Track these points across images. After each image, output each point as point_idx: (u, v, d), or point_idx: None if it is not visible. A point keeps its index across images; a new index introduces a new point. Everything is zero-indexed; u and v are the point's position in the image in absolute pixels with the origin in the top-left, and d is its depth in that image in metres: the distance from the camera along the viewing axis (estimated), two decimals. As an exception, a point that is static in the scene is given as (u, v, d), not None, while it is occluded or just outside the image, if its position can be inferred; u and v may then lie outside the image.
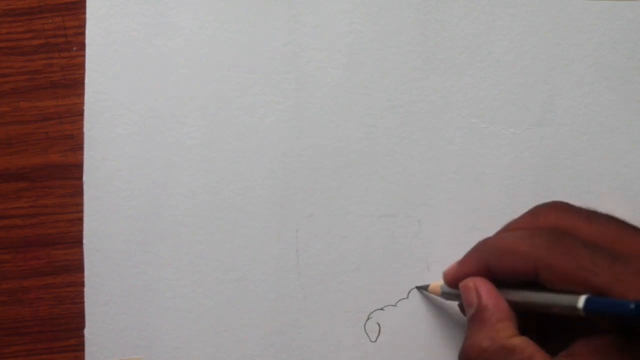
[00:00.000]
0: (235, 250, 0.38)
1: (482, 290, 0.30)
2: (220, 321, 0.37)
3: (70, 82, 0.39)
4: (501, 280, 0.30)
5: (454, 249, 0.37)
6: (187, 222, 0.38)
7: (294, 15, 0.38)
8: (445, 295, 0.34)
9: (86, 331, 0.37)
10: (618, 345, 0.26)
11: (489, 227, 0.37)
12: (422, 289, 0.36)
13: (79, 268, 0.38)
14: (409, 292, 0.37)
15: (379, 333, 0.37)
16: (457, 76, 0.38)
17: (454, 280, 0.32)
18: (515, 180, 0.38)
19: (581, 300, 0.26)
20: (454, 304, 0.35)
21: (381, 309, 0.37)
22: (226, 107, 0.38)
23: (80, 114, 0.38)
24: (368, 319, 0.37)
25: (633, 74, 0.38)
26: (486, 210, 0.38)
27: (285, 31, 0.38)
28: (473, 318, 0.30)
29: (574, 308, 0.26)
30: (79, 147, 0.38)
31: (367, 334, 0.37)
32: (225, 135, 0.38)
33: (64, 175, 0.38)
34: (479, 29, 0.38)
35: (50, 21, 0.39)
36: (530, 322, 0.30)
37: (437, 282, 0.35)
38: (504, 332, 0.28)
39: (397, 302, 0.37)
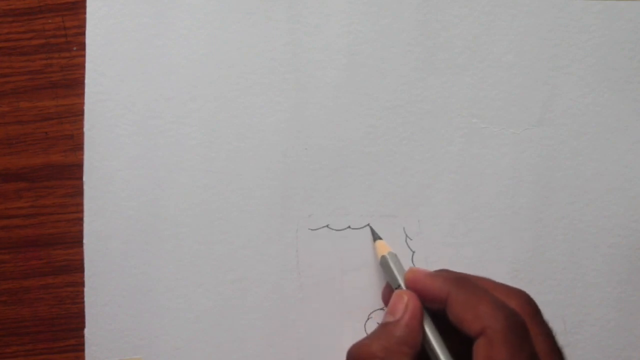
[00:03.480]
0: (235, 250, 0.38)
1: (410, 311, 0.31)
2: (220, 321, 0.37)
3: (70, 82, 0.39)
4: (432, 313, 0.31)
5: (454, 249, 0.37)
6: (187, 222, 0.38)
7: (294, 15, 0.38)
8: (381, 262, 0.35)
9: (86, 331, 0.37)
10: None
11: (489, 227, 0.37)
12: (374, 235, 0.37)
13: (79, 268, 0.38)
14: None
15: (379, 333, 0.37)
16: (457, 76, 0.38)
17: (413, 281, 0.32)
18: (515, 180, 0.38)
19: None
20: None
21: (381, 309, 0.37)
22: (226, 107, 0.38)
23: (80, 114, 0.38)
24: (368, 319, 0.37)
25: (633, 74, 0.38)
26: (486, 210, 0.38)
27: (285, 31, 0.38)
28: (384, 325, 0.31)
29: None
30: (79, 147, 0.38)
31: (367, 334, 0.37)
32: (225, 135, 0.38)
33: (64, 175, 0.38)
34: (479, 29, 0.38)
35: (50, 21, 0.39)
36: None
37: (386, 245, 0.36)
38: (401, 356, 0.29)
39: (397, 302, 0.37)
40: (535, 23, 0.38)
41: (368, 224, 0.38)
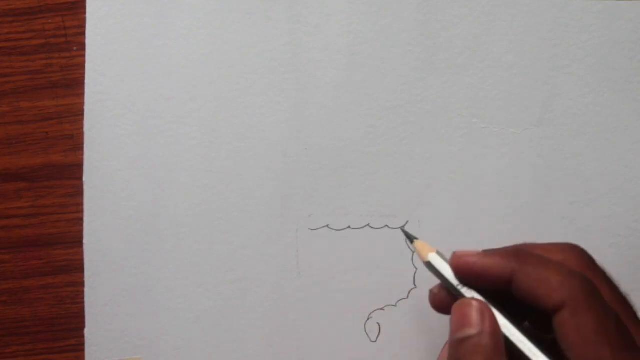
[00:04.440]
0: (235, 250, 0.38)
1: (487, 315, 0.28)
2: (220, 321, 0.37)
3: (70, 82, 0.39)
4: (508, 297, 0.28)
5: (454, 249, 0.37)
6: (187, 222, 0.38)
7: (294, 15, 0.38)
8: (428, 265, 0.31)
9: (86, 331, 0.37)
10: None
11: (489, 227, 0.37)
12: (409, 238, 0.32)
13: (79, 268, 0.38)
14: (409, 292, 0.37)
15: (379, 333, 0.37)
16: (457, 76, 0.38)
17: (466, 266, 0.29)
18: (515, 180, 0.38)
19: None
20: None
21: (381, 309, 0.37)
22: (226, 107, 0.38)
23: (80, 114, 0.38)
24: (368, 319, 0.37)
25: (633, 74, 0.38)
26: (486, 210, 0.38)
27: (285, 31, 0.38)
28: (468, 341, 0.27)
29: None
30: (79, 147, 0.38)
31: (367, 334, 0.37)
32: (225, 135, 0.38)
33: (64, 175, 0.38)
34: (479, 29, 0.38)
35: (50, 21, 0.39)
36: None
37: (427, 244, 0.31)
38: None
39: (397, 302, 0.37)
40: (535, 23, 0.38)
41: (386, 225, 0.37)
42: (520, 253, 0.28)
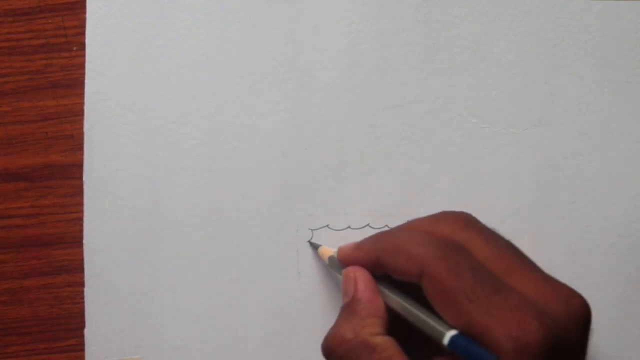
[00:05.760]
0: (235, 250, 0.38)
1: (360, 282, 0.30)
2: (220, 321, 0.37)
3: (70, 82, 0.39)
4: (387, 276, 0.30)
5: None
6: (187, 222, 0.38)
7: (294, 15, 0.38)
8: (330, 264, 0.35)
9: (86, 331, 0.37)
10: None
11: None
12: (314, 247, 0.37)
13: (79, 268, 0.38)
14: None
15: (379, 333, 0.37)
16: (457, 76, 0.38)
17: (344, 259, 0.32)
18: (515, 180, 0.38)
19: (446, 337, 0.26)
20: None
21: (381, 309, 0.37)
22: (226, 107, 0.38)
23: (80, 114, 0.38)
24: (368, 319, 0.37)
25: (633, 74, 0.38)
26: (486, 210, 0.38)
27: (285, 31, 0.38)
28: (345, 308, 0.30)
29: (439, 341, 0.26)
30: (79, 147, 0.38)
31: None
32: (225, 135, 0.38)
33: (64, 175, 0.38)
34: (479, 29, 0.38)
35: (50, 21, 0.39)
36: (401, 323, 0.29)
37: (328, 248, 0.35)
38: (369, 328, 0.28)
39: (397, 302, 0.37)
40: (535, 23, 0.38)
41: (386, 225, 0.37)
42: (384, 235, 0.31)
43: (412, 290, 0.29)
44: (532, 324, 0.24)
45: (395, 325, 0.29)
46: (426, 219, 0.31)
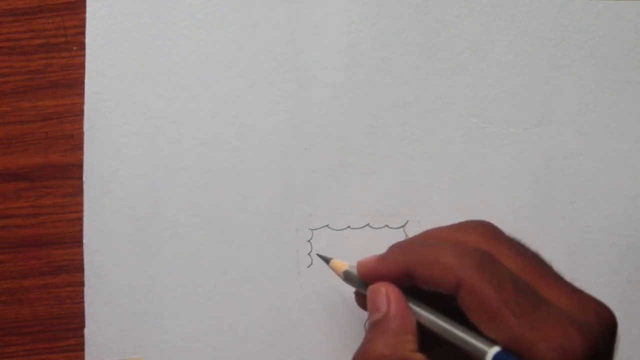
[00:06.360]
0: (235, 250, 0.38)
1: (392, 298, 0.30)
2: (220, 321, 0.37)
3: (70, 82, 0.39)
4: (416, 288, 0.29)
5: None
6: (187, 222, 0.38)
7: (294, 15, 0.38)
8: (346, 279, 0.33)
9: (86, 331, 0.37)
10: None
11: (489, 227, 0.37)
12: (324, 259, 0.35)
13: (79, 268, 0.38)
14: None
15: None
16: (457, 76, 0.38)
17: (368, 274, 0.31)
18: (515, 180, 0.38)
19: (489, 355, 0.25)
20: None
21: (381, 309, 0.37)
22: (226, 107, 0.38)
23: (80, 114, 0.38)
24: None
25: (633, 74, 0.38)
26: (486, 210, 0.38)
27: (285, 31, 0.38)
28: (376, 324, 0.30)
29: (479, 358, 0.26)
30: (79, 147, 0.38)
31: (367, 334, 0.37)
32: (225, 135, 0.38)
33: (64, 175, 0.38)
34: (479, 29, 0.38)
35: (50, 21, 0.39)
36: (430, 339, 0.29)
37: (340, 261, 0.34)
38: (406, 345, 0.28)
39: (397, 302, 0.37)
40: (535, 23, 0.38)
41: (386, 225, 0.37)
42: (413, 246, 0.30)
43: (437, 303, 0.28)
44: (576, 337, 0.24)
45: (423, 341, 0.29)
46: (450, 228, 0.31)
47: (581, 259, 0.38)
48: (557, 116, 0.38)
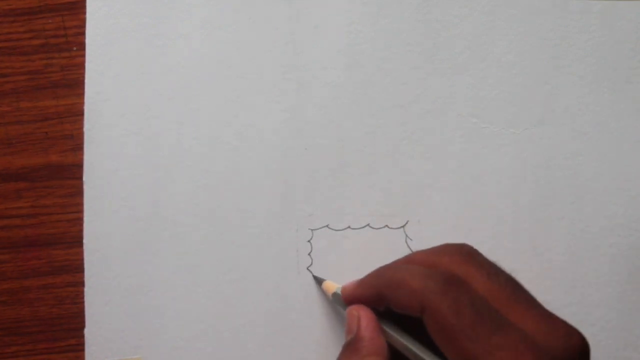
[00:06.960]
0: (235, 250, 0.38)
1: (363, 321, 0.31)
2: (220, 321, 0.37)
3: (70, 82, 0.39)
4: (390, 313, 0.30)
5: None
6: (187, 222, 0.38)
7: (294, 15, 0.38)
8: (334, 300, 0.35)
9: (86, 331, 0.37)
10: None
11: (489, 227, 0.37)
12: (318, 281, 0.37)
13: (79, 268, 0.38)
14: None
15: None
16: (457, 76, 0.38)
17: (348, 297, 0.33)
18: (515, 180, 0.38)
19: None
20: None
21: (381, 309, 0.37)
22: (226, 107, 0.38)
23: (80, 114, 0.38)
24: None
25: (633, 74, 0.38)
26: (486, 210, 0.38)
27: (285, 31, 0.38)
28: (347, 345, 0.31)
29: None
30: (79, 147, 0.38)
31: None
32: (225, 135, 0.38)
33: (64, 175, 0.38)
34: (479, 29, 0.38)
35: (50, 21, 0.39)
36: None
37: (332, 283, 0.36)
38: None
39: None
40: (535, 23, 0.38)
41: (386, 225, 0.37)
42: (387, 270, 0.31)
43: (416, 324, 0.29)
44: None
45: None
46: (427, 251, 0.31)
47: (581, 259, 0.38)
48: (557, 116, 0.38)
